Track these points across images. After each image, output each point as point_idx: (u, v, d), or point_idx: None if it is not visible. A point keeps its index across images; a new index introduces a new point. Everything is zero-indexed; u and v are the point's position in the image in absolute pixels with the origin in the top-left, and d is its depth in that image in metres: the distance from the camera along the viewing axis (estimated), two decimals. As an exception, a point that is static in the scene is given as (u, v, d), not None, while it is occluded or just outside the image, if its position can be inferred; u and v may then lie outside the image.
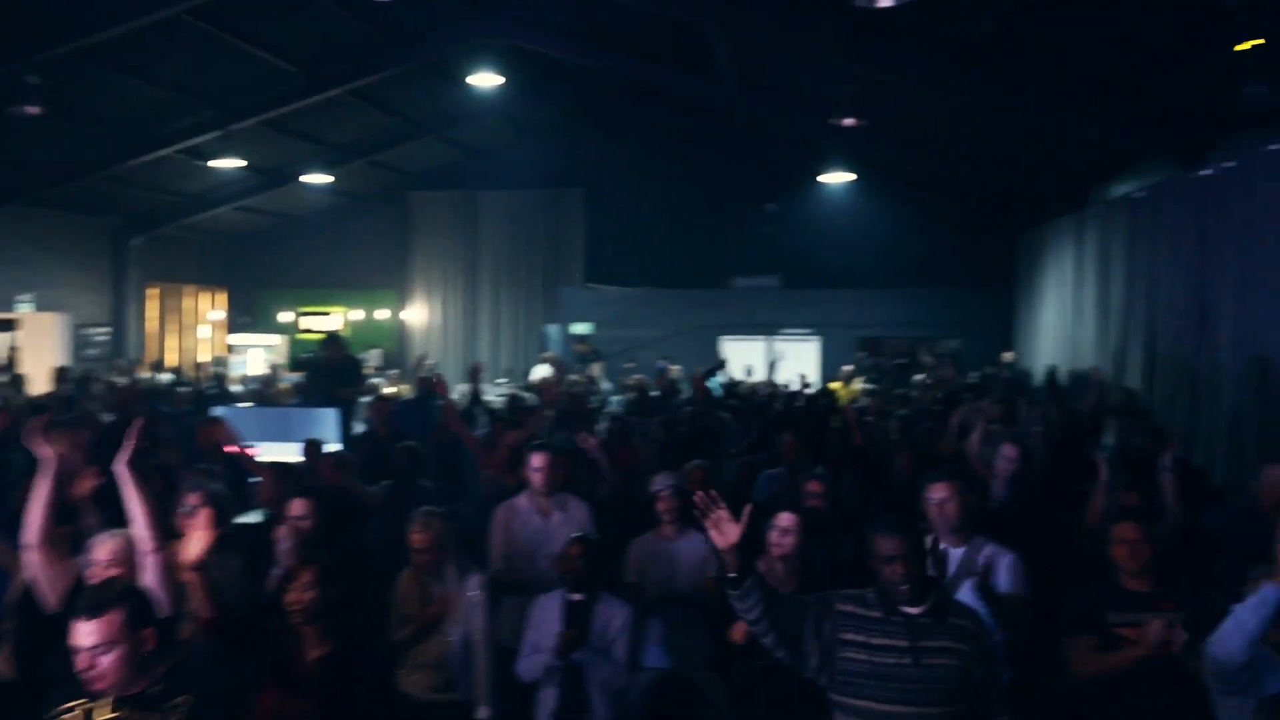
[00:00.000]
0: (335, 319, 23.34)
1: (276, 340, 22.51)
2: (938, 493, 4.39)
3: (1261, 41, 5.72)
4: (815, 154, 17.49)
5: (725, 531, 3.19)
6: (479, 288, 22.78)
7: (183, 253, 21.41)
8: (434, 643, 4.46)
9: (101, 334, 18.58)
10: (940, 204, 18.52)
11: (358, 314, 23.22)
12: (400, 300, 23.15)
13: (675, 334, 18.94)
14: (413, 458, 6.97)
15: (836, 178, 14.87)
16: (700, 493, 3.28)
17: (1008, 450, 5.60)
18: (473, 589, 4.47)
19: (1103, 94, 9.79)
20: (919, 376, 14.38)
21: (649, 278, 20.97)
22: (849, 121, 10.15)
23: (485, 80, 14.70)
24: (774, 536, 4.58)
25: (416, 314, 22.95)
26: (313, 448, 7.10)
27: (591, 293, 20.10)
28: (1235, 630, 3.46)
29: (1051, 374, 13.34)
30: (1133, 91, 9.56)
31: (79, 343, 17.26)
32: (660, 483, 5.33)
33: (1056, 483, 6.48)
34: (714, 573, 5.00)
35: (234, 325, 22.96)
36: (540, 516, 5.30)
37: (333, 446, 8.27)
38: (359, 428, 10.48)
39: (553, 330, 20.07)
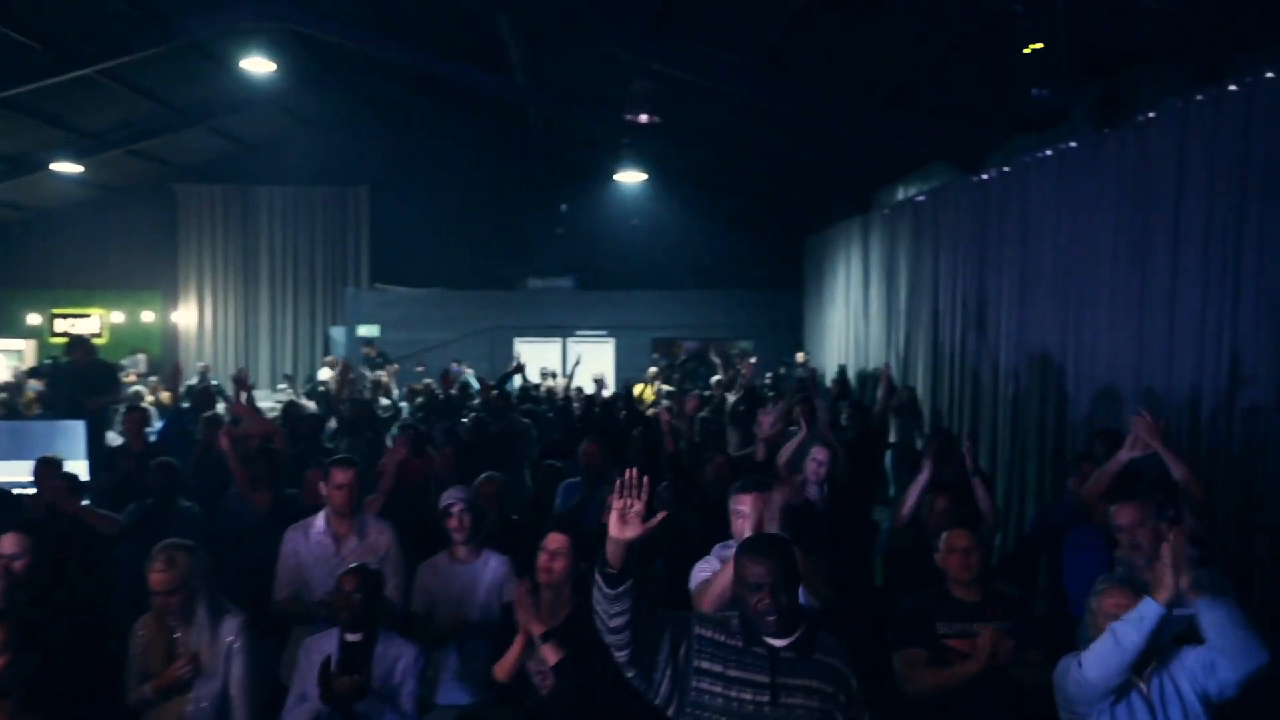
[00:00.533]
0: (93, 321, 21.39)
1: (23, 345, 20.44)
2: (744, 504, 4.17)
3: (1040, 46, 5.82)
4: (610, 153, 17.32)
5: (628, 524, 2.81)
6: (256, 288, 21.38)
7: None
8: (179, 703, 3.77)
9: None
10: (732, 205, 18.72)
11: (120, 316, 21.33)
12: (167, 301, 21.43)
13: (467, 336, 18.37)
14: (169, 476, 6.11)
15: (630, 177, 14.70)
16: (630, 471, 2.85)
17: (818, 453, 5.46)
18: (230, 634, 3.85)
19: (888, 98, 9.97)
20: (716, 377, 14.41)
21: (439, 278, 20.27)
22: (644, 118, 9.93)
23: (257, 66, 13.70)
24: (542, 560, 4.06)
25: (186, 316, 21.30)
26: (44, 467, 6.16)
27: (378, 294, 19.20)
28: (1114, 650, 3.23)
29: (842, 374, 13.62)
30: (916, 96, 9.77)
31: None
32: (450, 497, 4.75)
33: (856, 483, 6.44)
34: (510, 596, 4.63)
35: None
36: (334, 541, 4.67)
37: (76, 464, 7.33)
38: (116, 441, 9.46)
39: (338, 333, 19.05)
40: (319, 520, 4.72)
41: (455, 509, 4.66)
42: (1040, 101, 5.77)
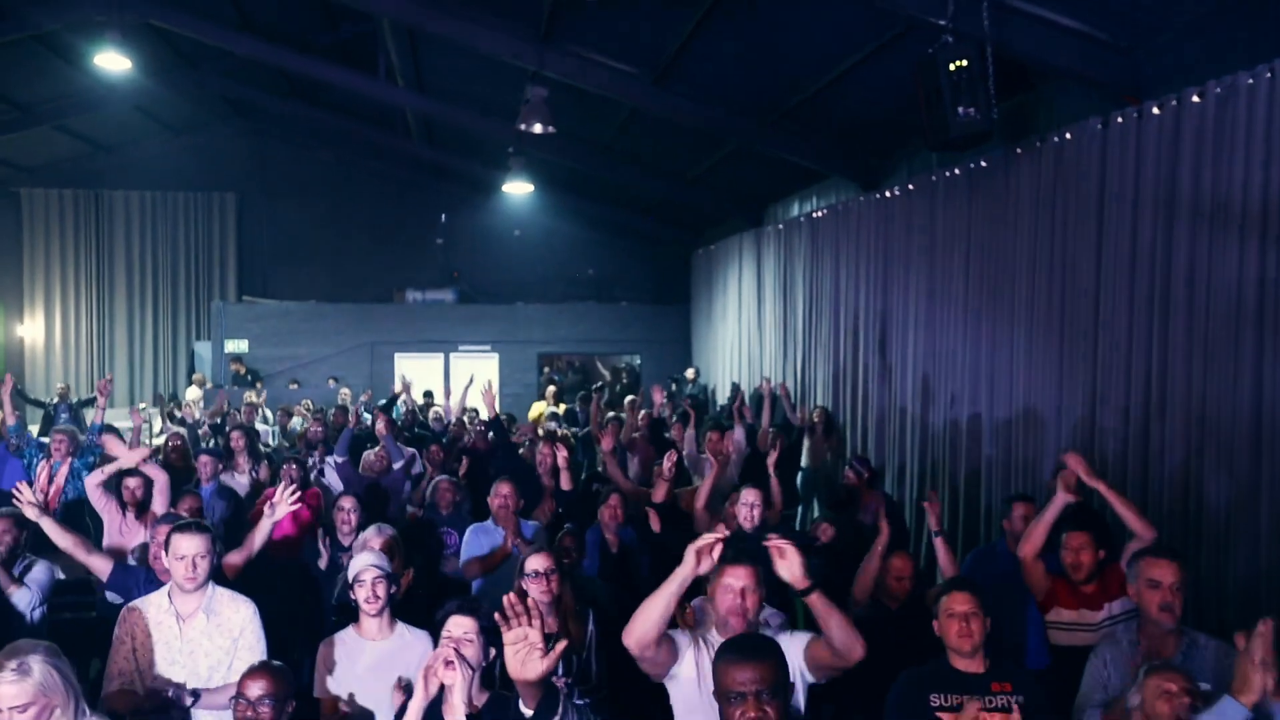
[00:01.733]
0: (-75, 337, 19.67)
1: None
2: (740, 577, 3.72)
3: (965, 63, 5.59)
4: (492, 163, 16.78)
5: (528, 662, 2.31)
6: (112, 300, 20.00)
7: None
8: None
9: None
10: (619, 218, 18.34)
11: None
12: (10, 314, 19.83)
13: (344, 351, 17.50)
14: (14, 532, 5.22)
15: (518, 188, 14.15)
16: (521, 600, 2.33)
17: (748, 496, 5.05)
18: None
19: (786, 113, 9.75)
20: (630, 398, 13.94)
21: (311, 291, 19.35)
22: (538, 128, 9.44)
23: (110, 63, 12.65)
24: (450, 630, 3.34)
25: (32, 330, 19.75)
26: None
27: (247, 307, 18.13)
28: None
29: (736, 391, 13.36)
30: (814, 112, 9.58)
31: None
32: (364, 565, 3.93)
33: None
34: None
35: None
36: (175, 621, 3.83)
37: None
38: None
39: (203, 348, 17.91)
40: (160, 595, 3.91)
41: (368, 576, 3.91)
42: (967, 121, 5.53)
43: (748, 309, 14.18)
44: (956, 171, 7.99)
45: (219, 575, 4.13)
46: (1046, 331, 6.65)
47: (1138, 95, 5.83)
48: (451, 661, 2.95)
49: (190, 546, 3.82)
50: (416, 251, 20.18)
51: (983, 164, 7.60)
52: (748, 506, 5.04)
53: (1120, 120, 5.93)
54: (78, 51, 13.65)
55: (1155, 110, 5.63)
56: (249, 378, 16.40)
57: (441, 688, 2.97)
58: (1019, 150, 7.04)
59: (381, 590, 3.90)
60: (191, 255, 20.29)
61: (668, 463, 5.64)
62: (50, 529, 4.48)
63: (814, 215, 11.50)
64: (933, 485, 8.26)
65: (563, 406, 13.79)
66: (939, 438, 8.19)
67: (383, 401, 11.61)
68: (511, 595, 2.38)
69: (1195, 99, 5.34)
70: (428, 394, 13.96)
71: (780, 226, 12.91)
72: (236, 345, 17.13)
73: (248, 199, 20.32)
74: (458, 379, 16.29)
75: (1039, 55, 6.20)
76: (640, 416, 9.28)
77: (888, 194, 9.41)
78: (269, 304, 18.20)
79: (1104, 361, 6.04)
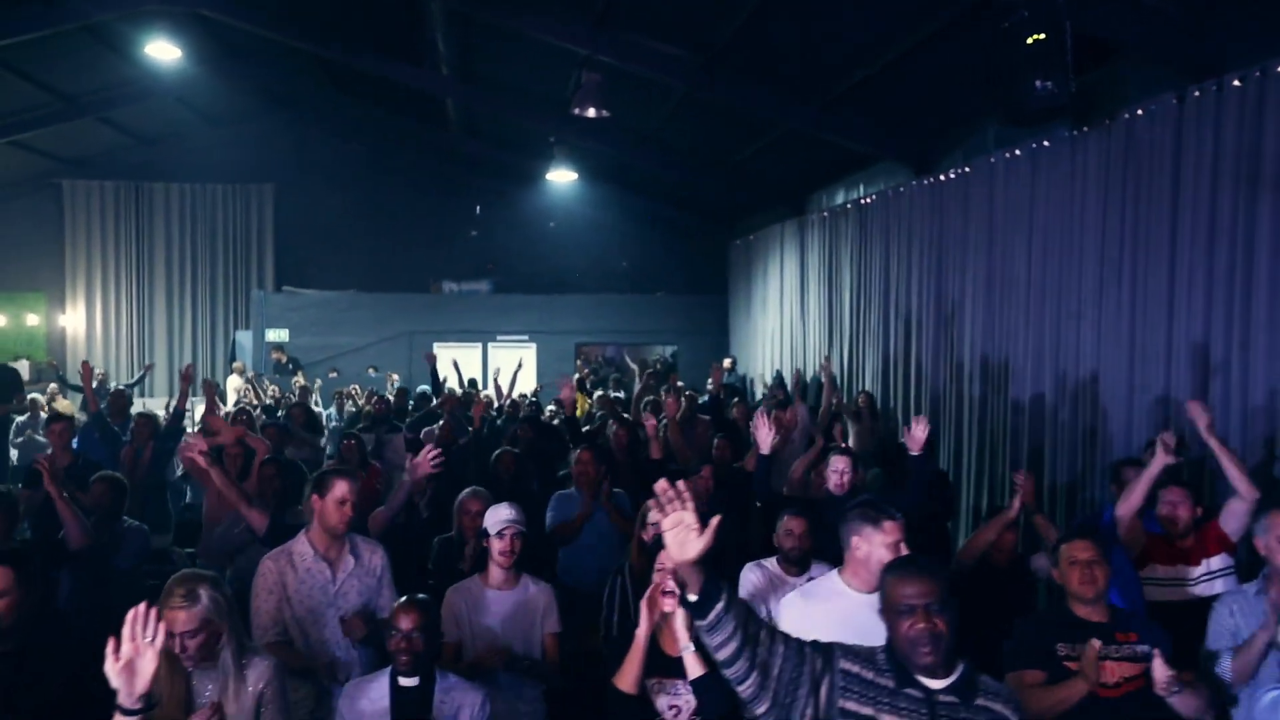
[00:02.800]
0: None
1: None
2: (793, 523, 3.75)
3: (1043, 37, 5.58)
4: (529, 153, 16.82)
5: (687, 541, 2.34)
6: (152, 290, 20.21)
7: None
8: None
9: None
10: (656, 208, 18.35)
11: (10, 317, 19.90)
12: (53, 304, 20.06)
13: (383, 341, 17.60)
14: (116, 493, 5.37)
15: (561, 176, 14.18)
16: (672, 485, 2.37)
17: (838, 463, 5.08)
18: (260, 680, 3.15)
19: (839, 98, 9.74)
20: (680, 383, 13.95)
21: (347, 281, 19.46)
22: (591, 112, 9.47)
23: (162, 52, 12.78)
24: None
25: (74, 319, 19.96)
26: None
27: (288, 296, 18.26)
28: None
29: (779, 379, 13.37)
30: (867, 96, 9.56)
31: None
32: (504, 519, 4.11)
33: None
34: (554, 628, 4.15)
35: None
36: (327, 567, 3.97)
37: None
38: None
39: (244, 337, 18.06)
40: (302, 544, 4.02)
41: (508, 531, 4.08)
42: (1045, 94, 5.51)
43: (790, 298, 14.17)
44: (1018, 153, 7.97)
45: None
46: (1117, 310, 6.62)
47: (1212, 70, 5.80)
48: (670, 591, 3.10)
49: (350, 490, 3.96)
50: (452, 242, 20.26)
51: (1045, 143, 7.57)
52: (838, 473, 5.06)
53: (1198, 95, 5.90)
54: (126, 41, 13.79)
55: (1236, 83, 5.60)
56: (290, 366, 16.53)
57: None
58: (1085, 129, 7.01)
59: (518, 545, 4.00)
60: (229, 245, 20.48)
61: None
62: (218, 478, 4.68)
63: (862, 201, 11.48)
64: (992, 464, 8.26)
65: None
66: (999, 418, 8.17)
67: (422, 388, 11.70)
68: (663, 482, 2.41)
69: None
70: (471, 382, 14.02)
71: (824, 214, 12.89)
72: (277, 334, 17.26)
73: (285, 190, 20.47)
74: (497, 368, 16.41)
75: (1111, 31, 6.18)
76: (685, 396, 9.37)
77: (942, 177, 9.38)
78: (309, 294, 18.34)
79: (1180, 339, 6.02)
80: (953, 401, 9.06)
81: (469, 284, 19.58)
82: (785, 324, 14.44)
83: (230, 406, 11.81)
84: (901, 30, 7.87)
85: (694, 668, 3.19)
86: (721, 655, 2.39)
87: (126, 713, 2.38)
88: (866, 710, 2.45)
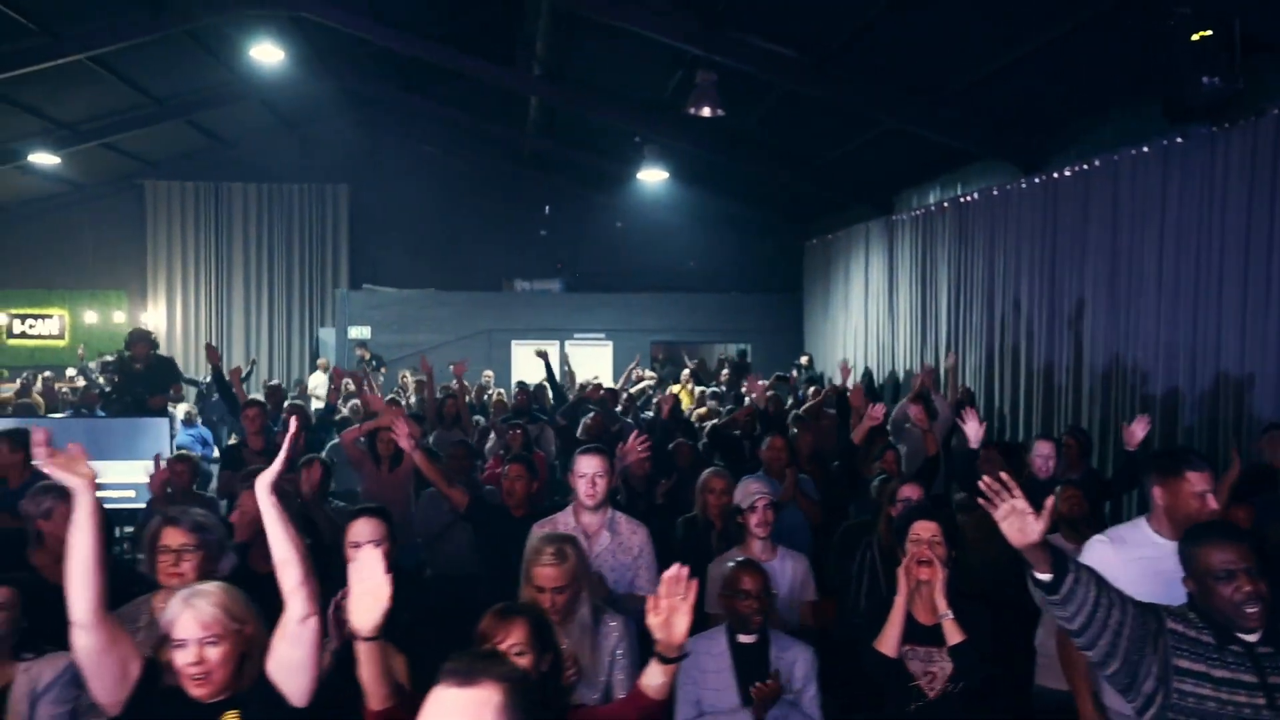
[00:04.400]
0: (54, 321, 20.39)
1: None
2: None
3: (1209, 33, 5.64)
4: (606, 152, 16.99)
5: (1026, 528, 2.50)
6: (230, 288, 20.59)
7: None
8: None
9: None
10: (730, 208, 18.46)
11: (87, 316, 20.33)
12: (135, 301, 20.48)
13: (462, 339, 17.80)
14: (327, 473, 5.61)
15: (651, 176, 14.32)
16: (994, 476, 2.57)
17: (1042, 448, 5.17)
18: (614, 639, 3.38)
19: (949, 95, 9.79)
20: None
21: (421, 280, 19.70)
22: (706, 111, 9.60)
23: (266, 55, 13.06)
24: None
25: (155, 317, 20.36)
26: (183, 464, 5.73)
27: (369, 295, 18.54)
28: None
29: (869, 377, 13.43)
30: (979, 92, 9.60)
31: None
32: (756, 492, 4.35)
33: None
34: (812, 596, 4.38)
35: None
36: (585, 538, 4.15)
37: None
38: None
39: (327, 334, 18.36)
40: (567, 517, 4.28)
41: (760, 503, 4.32)
42: (1211, 90, 5.58)
43: (876, 296, 14.22)
44: (1145, 149, 8.00)
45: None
46: (1265, 307, 6.65)
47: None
48: (927, 561, 3.34)
49: (590, 465, 4.18)
50: (522, 241, 20.43)
51: (1178, 140, 7.60)
52: (1042, 458, 5.18)
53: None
54: (226, 45, 14.08)
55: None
56: (373, 363, 16.77)
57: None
58: (1226, 125, 7.04)
59: (770, 515, 4.16)
60: (305, 245, 20.79)
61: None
62: (420, 461, 4.98)
63: (961, 200, 11.52)
64: (1115, 463, 8.29)
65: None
66: (1124, 415, 8.19)
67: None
68: (986, 478, 2.57)
69: None
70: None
71: (916, 213, 12.95)
72: (359, 331, 17.53)
73: (358, 189, 20.73)
74: (574, 366, 16.58)
75: (1266, 29, 6.22)
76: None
77: (1055, 175, 9.41)
78: (389, 291, 18.61)
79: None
80: (1068, 399, 9.09)
81: (540, 283, 19.77)
82: (870, 322, 14.50)
83: (319, 403, 12.07)
84: (1031, 31, 7.93)
85: (953, 634, 3.35)
86: (1073, 625, 2.53)
87: (666, 661, 2.58)
88: (1199, 666, 2.59)
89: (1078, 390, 8.94)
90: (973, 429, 5.08)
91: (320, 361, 16.66)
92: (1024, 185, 10.04)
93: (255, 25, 12.80)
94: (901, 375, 13.08)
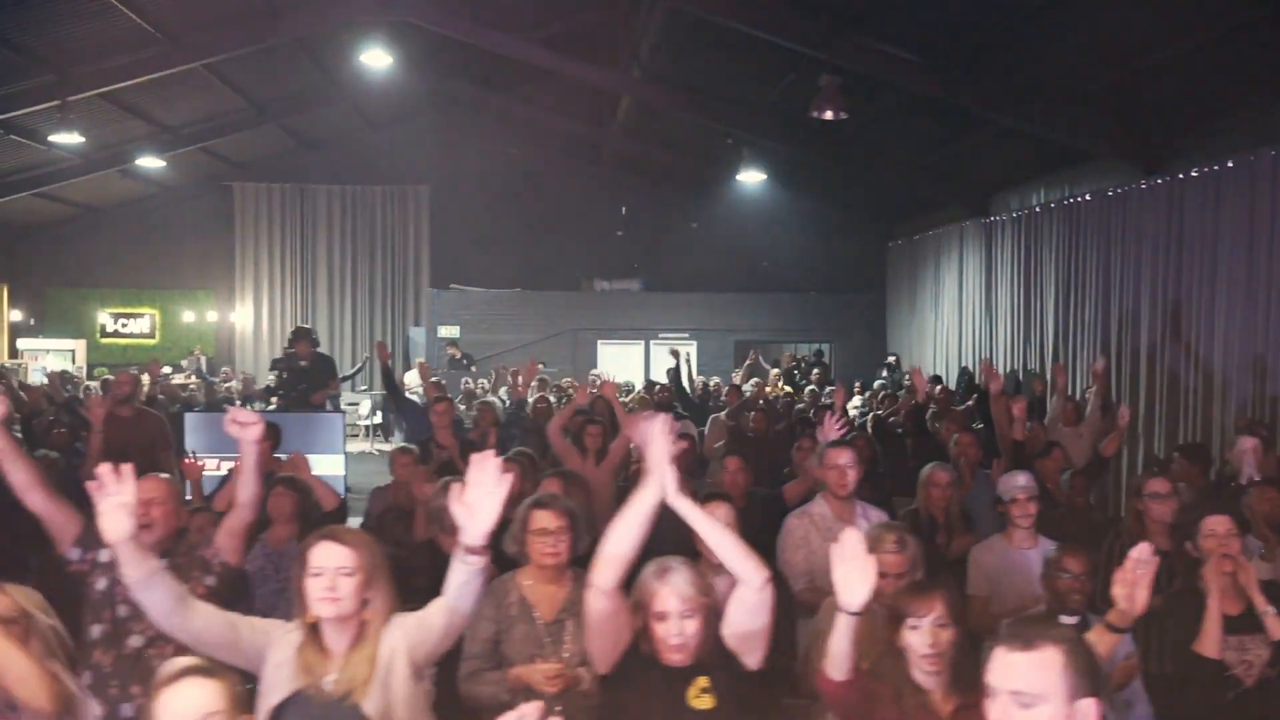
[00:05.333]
0: (145, 320, 20.91)
1: (75, 345, 19.89)
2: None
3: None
4: (693, 152, 17.18)
5: None
6: (314, 288, 20.98)
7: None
8: None
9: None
10: (811, 208, 18.55)
11: (178, 315, 20.84)
12: (222, 300, 20.94)
13: (549, 338, 18.06)
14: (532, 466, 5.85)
15: (749, 177, 14.49)
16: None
17: (1245, 443, 5.28)
18: None
19: (1074, 95, 9.84)
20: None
21: (501, 280, 19.93)
22: (829, 114, 9.75)
23: (375, 60, 13.34)
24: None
25: (242, 316, 20.81)
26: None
27: (456, 294, 18.84)
28: None
29: (968, 377, 13.51)
30: (1103, 93, 9.66)
31: None
32: (1017, 484, 4.50)
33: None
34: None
35: (22, 328, 20.01)
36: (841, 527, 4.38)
37: (333, 459, 7.11)
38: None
39: (417, 333, 18.70)
40: (820, 507, 4.49)
41: (1021, 495, 4.46)
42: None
43: (972, 296, 14.29)
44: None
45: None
46: None
47: None
48: (1230, 555, 3.50)
49: (842, 457, 4.45)
50: (599, 241, 20.51)
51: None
52: (1249, 454, 5.28)
53: None
54: (330, 49, 14.42)
55: None
56: (464, 361, 17.06)
57: None
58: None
59: (1033, 508, 4.35)
60: (386, 245, 21.12)
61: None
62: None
63: (1072, 201, 11.58)
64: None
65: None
66: (1265, 418, 8.23)
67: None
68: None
69: None
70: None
71: (1018, 214, 13.02)
72: (448, 331, 17.83)
73: (439, 189, 20.97)
74: (659, 367, 16.79)
75: None
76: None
77: (1180, 176, 9.46)
78: (477, 291, 18.88)
79: None
80: (1197, 400, 9.14)
81: (619, 282, 19.95)
82: (965, 322, 14.57)
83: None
84: (1173, 34, 7.99)
85: (1276, 629, 3.47)
86: None
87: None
88: None
89: (1208, 394, 8.98)
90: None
91: (419, 361, 16.94)
92: (1144, 186, 10.09)
93: (362, 30, 13.07)
94: (1004, 375, 13.14)
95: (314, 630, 2.65)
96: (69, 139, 12.66)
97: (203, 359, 19.47)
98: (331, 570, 2.61)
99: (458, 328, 17.95)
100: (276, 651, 2.64)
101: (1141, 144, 10.07)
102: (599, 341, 18.09)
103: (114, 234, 20.20)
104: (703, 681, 2.67)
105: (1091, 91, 9.63)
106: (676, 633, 2.65)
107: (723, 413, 9.76)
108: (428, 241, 21.15)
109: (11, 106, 12.57)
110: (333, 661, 2.63)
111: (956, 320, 14.85)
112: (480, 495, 2.50)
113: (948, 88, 10.12)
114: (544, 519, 3.38)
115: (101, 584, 3.47)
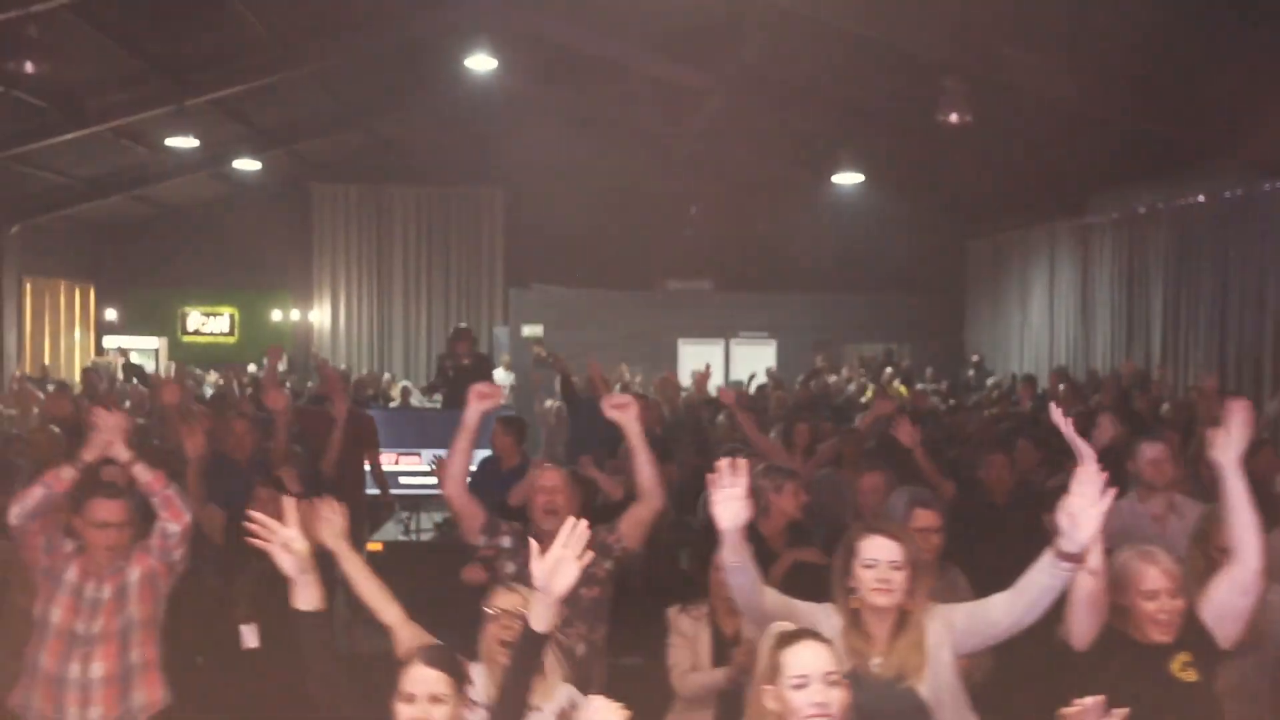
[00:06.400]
0: (224, 319, 21.27)
1: (157, 344, 20.28)
2: None
3: None
4: (772, 153, 17.28)
5: None
6: (391, 287, 21.25)
7: (53, 243, 18.70)
8: None
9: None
10: (889, 207, 18.54)
11: (256, 314, 21.18)
12: (299, 300, 21.24)
13: (629, 337, 18.18)
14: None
15: (846, 179, 14.59)
16: None
17: None
18: None
19: (1187, 101, 9.88)
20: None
21: (574, 278, 20.07)
22: (954, 118, 9.85)
23: (480, 64, 13.54)
24: None
25: (320, 315, 21.12)
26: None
27: (537, 293, 19.04)
28: None
29: (1066, 375, 13.57)
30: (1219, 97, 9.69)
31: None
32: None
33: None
34: None
35: (108, 326, 20.42)
36: (1154, 523, 4.49)
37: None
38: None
39: (501, 333, 18.94)
40: (1132, 503, 4.62)
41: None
42: None
43: (1066, 298, 14.35)
44: None
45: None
46: None
47: None
48: None
49: (1159, 451, 4.67)
50: (670, 240, 20.53)
51: None
52: None
53: None
54: (424, 52, 14.61)
55: None
56: (550, 360, 17.22)
57: None
58: None
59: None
60: (462, 244, 21.36)
61: None
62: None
63: (1184, 203, 11.62)
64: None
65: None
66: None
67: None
68: None
69: None
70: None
71: (1117, 216, 13.08)
72: (532, 330, 18.02)
73: (513, 189, 21.14)
74: (738, 366, 16.93)
75: None
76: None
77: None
78: (559, 290, 19.04)
79: None
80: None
81: (691, 282, 20.06)
82: (1057, 324, 14.63)
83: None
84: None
85: None
86: None
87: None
88: None
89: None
90: None
91: (504, 359, 17.21)
92: (1267, 189, 10.14)
93: (461, 35, 13.22)
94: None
95: (855, 615, 2.85)
96: (185, 143, 12.92)
97: (285, 358, 19.75)
98: (885, 563, 2.81)
99: (541, 326, 18.12)
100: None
101: (1271, 144, 10.04)
102: (679, 340, 18.20)
103: (195, 234, 20.47)
104: (1185, 656, 2.87)
105: (1206, 90, 9.64)
106: (1165, 610, 2.85)
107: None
108: (502, 240, 21.36)
109: (130, 111, 12.85)
110: (875, 646, 2.82)
111: (1048, 321, 14.91)
112: (1083, 505, 2.61)
113: (1068, 88, 10.16)
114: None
115: (510, 568, 3.78)
